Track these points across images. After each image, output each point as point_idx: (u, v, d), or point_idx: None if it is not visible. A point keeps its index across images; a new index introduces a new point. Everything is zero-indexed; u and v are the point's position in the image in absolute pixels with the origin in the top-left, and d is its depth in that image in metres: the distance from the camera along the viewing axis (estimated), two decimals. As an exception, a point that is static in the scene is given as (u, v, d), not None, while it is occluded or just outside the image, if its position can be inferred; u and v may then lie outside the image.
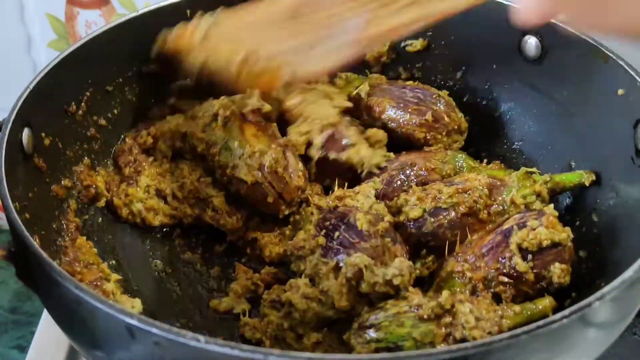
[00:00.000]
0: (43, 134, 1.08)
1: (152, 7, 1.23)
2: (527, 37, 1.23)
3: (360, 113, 1.24)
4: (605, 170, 1.11)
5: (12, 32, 1.60)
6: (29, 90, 1.04)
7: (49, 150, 1.10)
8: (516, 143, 1.28)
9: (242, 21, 1.04)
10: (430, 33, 1.33)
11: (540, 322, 0.75)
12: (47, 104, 1.09)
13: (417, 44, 1.34)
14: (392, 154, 1.19)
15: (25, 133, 1.03)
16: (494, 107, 1.31)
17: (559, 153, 1.20)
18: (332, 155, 1.16)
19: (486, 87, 1.31)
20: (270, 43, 1.02)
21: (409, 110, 1.21)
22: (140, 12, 1.22)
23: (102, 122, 1.21)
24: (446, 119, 1.21)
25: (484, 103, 1.32)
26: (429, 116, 1.20)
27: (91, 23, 1.59)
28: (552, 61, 1.21)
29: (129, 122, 1.26)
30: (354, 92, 1.24)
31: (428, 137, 1.20)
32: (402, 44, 1.35)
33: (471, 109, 1.31)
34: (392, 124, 1.21)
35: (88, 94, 1.18)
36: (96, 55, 1.17)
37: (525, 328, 0.74)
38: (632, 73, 1.08)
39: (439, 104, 1.22)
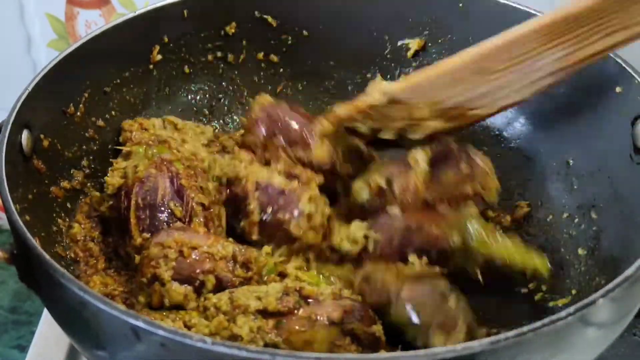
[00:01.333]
0: (42, 136, 1.08)
1: (151, 7, 1.23)
2: (524, 35, 1.23)
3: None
4: (603, 168, 1.11)
5: (12, 32, 1.59)
6: (27, 91, 1.04)
7: (47, 151, 1.09)
8: (514, 141, 1.28)
9: (423, 82, 1.05)
10: (427, 32, 1.33)
11: (546, 320, 0.75)
12: (46, 105, 1.09)
13: (413, 44, 1.34)
14: None
15: (25, 135, 1.03)
16: (492, 106, 1.31)
17: (556, 151, 1.20)
18: None
19: (483, 85, 1.32)
20: (455, 95, 1.04)
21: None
22: (140, 12, 1.22)
23: (101, 123, 1.21)
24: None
25: (481, 101, 1.32)
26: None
27: (91, 23, 1.58)
28: (549, 59, 1.22)
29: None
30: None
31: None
32: (399, 44, 1.35)
33: (469, 108, 1.32)
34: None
35: (86, 95, 1.18)
36: (95, 56, 1.17)
37: (531, 326, 0.74)
38: (630, 71, 1.08)
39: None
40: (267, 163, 1.14)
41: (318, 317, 0.91)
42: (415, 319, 0.95)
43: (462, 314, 0.95)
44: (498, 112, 1.10)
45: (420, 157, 1.09)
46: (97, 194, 1.17)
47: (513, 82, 1.01)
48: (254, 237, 1.07)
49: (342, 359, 0.84)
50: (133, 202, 1.07)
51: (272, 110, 1.18)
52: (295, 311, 0.91)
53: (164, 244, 0.98)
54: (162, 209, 1.05)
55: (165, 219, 1.05)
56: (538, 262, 1.04)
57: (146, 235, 1.04)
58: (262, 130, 1.16)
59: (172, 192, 1.07)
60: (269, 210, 1.07)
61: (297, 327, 0.90)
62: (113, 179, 1.12)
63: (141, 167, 1.10)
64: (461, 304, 0.97)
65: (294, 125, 1.16)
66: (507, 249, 1.04)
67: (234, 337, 0.88)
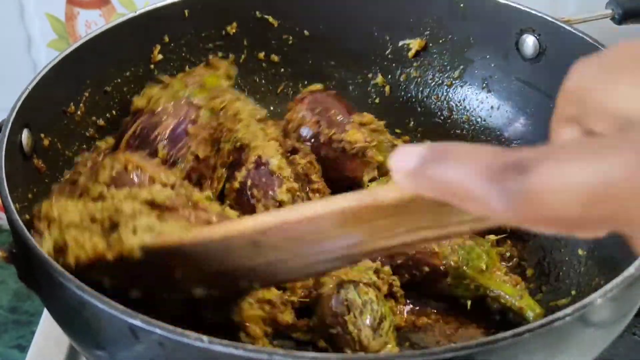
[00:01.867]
0: (42, 135, 1.08)
1: (151, 7, 1.23)
2: (524, 35, 1.23)
3: None
4: (604, 168, 1.11)
5: (12, 32, 1.59)
6: (28, 90, 1.04)
7: (48, 151, 1.10)
8: (514, 142, 1.28)
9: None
10: (428, 32, 1.33)
11: (544, 321, 0.75)
12: (46, 104, 1.09)
13: (414, 44, 1.34)
14: None
15: (25, 134, 1.03)
16: (492, 106, 1.31)
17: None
18: None
19: (484, 85, 1.32)
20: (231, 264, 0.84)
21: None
22: (140, 12, 1.22)
23: (101, 122, 1.21)
24: None
25: (481, 102, 1.32)
26: None
27: (91, 23, 1.59)
28: (549, 59, 1.22)
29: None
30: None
31: None
32: (400, 44, 1.35)
33: (469, 109, 1.32)
34: None
35: (87, 94, 1.18)
36: (95, 56, 1.17)
37: (529, 326, 0.74)
38: (630, 71, 1.08)
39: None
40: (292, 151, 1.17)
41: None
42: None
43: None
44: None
45: None
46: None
47: (287, 261, 0.80)
48: (228, 201, 1.10)
49: (341, 359, 0.84)
50: (132, 128, 1.10)
51: (319, 94, 1.24)
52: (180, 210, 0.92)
53: (115, 157, 1.01)
54: (150, 145, 1.08)
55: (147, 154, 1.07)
56: (531, 304, 1.01)
57: None
58: (304, 109, 1.21)
59: (170, 135, 1.09)
60: (249, 183, 1.09)
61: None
62: (139, 101, 1.15)
63: (163, 100, 1.13)
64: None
65: (335, 111, 1.20)
66: (504, 283, 1.02)
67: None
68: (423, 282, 1.04)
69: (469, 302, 1.03)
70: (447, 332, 1.03)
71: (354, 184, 1.18)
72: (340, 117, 1.19)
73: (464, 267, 1.02)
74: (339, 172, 1.19)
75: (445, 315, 1.05)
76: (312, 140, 1.19)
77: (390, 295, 1.02)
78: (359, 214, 0.70)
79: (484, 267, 1.02)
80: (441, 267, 1.02)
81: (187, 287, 0.86)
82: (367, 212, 0.69)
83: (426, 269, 1.03)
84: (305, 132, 1.20)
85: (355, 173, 1.18)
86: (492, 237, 1.07)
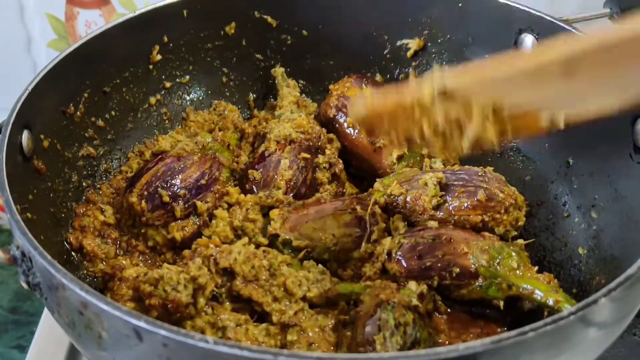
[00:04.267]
0: (42, 136, 1.08)
1: (151, 7, 1.23)
2: (523, 35, 1.23)
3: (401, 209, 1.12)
4: (603, 167, 1.11)
5: (12, 32, 1.59)
6: (27, 91, 1.04)
7: (47, 152, 1.09)
8: (514, 141, 1.28)
9: (486, 77, 0.82)
10: (427, 32, 1.33)
11: (548, 319, 0.75)
12: (45, 105, 1.09)
13: (413, 44, 1.34)
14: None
15: (25, 135, 1.03)
16: (491, 105, 1.31)
17: (557, 151, 1.21)
18: None
19: (483, 85, 1.32)
20: (524, 96, 0.81)
21: (457, 194, 1.08)
22: (140, 11, 1.22)
23: (100, 123, 1.21)
24: (500, 194, 1.07)
25: (480, 101, 1.32)
26: (481, 196, 1.06)
27: (91, 23, 1.58)
28: (548, 59, 1.22)
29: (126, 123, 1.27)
30: (388, 191, 1.12)
31: (486, 219, 1.06)
32: (398, 44, 1.35)
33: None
34: (440, 214, 1.08)
35: (86, 95, 1.18)
36: (95, 56, 1.17)
37: (533, 325, 0.74)
38: (630, 70, 1.08)
39: (487, 181, 1.08)
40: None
41: None
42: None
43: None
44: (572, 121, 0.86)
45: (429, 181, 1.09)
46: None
47: (596, 91, 0.78)
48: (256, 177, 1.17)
49: (342, 359, 0.84)
50: (155, 167, 1.13)
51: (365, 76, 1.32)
52: None
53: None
54: (170, 189, 1.11)
55: (159, 202, 1.10)
56: (567, 298, 0.97)
57: (144, 204, 1.10)
58: (352, 80, 1.29)
59: (193, 185, 1.13)
60: (261, 163, 1.18)
61: None
62: (164, 141, 1.22)
63: (188, 147, 1.18)
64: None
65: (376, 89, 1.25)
66: (537, 280, 0.99)
67: None
68: (452, 287, 1.02)
69: (501, 303, 1.01)
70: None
71: (374, 174, 1.22)
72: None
73: (496, 266, 1.00)
74: (364, 158, 1.24)
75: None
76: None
77: (435, 309, 1.01)
78: None
79: (515, 265, 1.00)
80: (471, 268, 1.00)
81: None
82: None
83: (456, 270, 1.01)
84: (347, 101, 1.25)
85: (379, 162, 1.22)
86: (521, 241, 1.06)
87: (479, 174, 1.09)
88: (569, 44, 0.76)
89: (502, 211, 1.06)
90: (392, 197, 1.11)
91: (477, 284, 1.01)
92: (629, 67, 0.74)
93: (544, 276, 1.00)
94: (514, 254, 1.01)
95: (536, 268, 1.01)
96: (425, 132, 0.84)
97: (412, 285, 0.98)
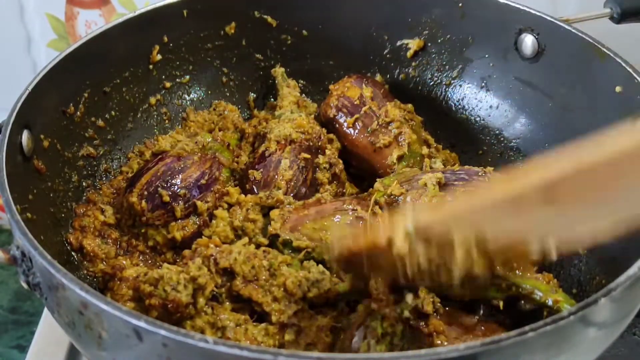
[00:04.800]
0: (42, 136, 1.08)
1: (151, 7, 1.23)
2: (523, 35, 1.23)
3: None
4: (603, 167, 1.11)
5: (12, 32, 1.59)
6: (27, 91, 1.04)
7: (47, 152, 1.09)
8: (513, 141, 1.28)
9: (461, 210, 0.77)
10: (427, 32, 1.33)
11: (548, 319, 0.75)
12: (45, 105, 1.09)
13: (413, 44, 1.34)
14: None
15: (25, 135, 1.03)
16: (491, 105, 1.31)
17: (556, 150, 1.20)
18: None
19: (482, 85, 1.32)
20: (509, 225, 0.75)
21: (457, 194, 1.08)
22: (140, 11, 1.22)
23: (100, 123, 1.21)
24: None
25: (480, 101, 1.32)
26: None
27: (91, 23, 1.58)
28: (548, 59, 1.22)
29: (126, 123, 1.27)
30: (388, 191, 1.11)
31: None
32: (398, 44, 1.35)
33: (468, 108, 1.32)
34: None
35: (86, 95, 1.18)
36: (95, 56, 1.17)
37: (533, 325, 0.74)
38: (630, 70, 1.08)
39: (488, 181, 1.08)
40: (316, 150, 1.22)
41: None
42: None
43: None
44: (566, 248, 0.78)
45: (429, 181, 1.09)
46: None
47: (589, 215, 0.71)
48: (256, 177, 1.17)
49: (343, 359, 0.84)
50: (155, 167, 1.13)
51: (365, 77, 1.32)
52: None
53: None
54: (170, 188, 1.11)
55: (159, 202, 1.10)
56: (567, 298, 0.97)
57: (145, 203, 1.10)
58: (352, 81, 1.29)
59: (193, 185, 1.12)
60: (261, 163, 1.18)
61: None
62: (164, 141, 1.21)
63: (188, 147, 1.18)
64: None
65: (376, 90, 1.28)
66: (537, 280, 0.99)
67: None
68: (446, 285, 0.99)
69: (501, 303, 1.00)
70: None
71: (374, 174, 1.22)
72: (380, 97, 1.26)
73: (497, 266, 0.97)
74: (364, 158, 1.24)
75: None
76: (351, 112, 1.24)
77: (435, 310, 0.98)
78: None
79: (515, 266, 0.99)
80: None
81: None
82: None
83: None
84: (347, 101, 1.25)
85: (379, 162, 1.22)
86: None
87: (479, 173, 1.09)
88: (545, 169, 0.71)
89: None
90: (392, 197, 1.10)
91: (476, 284, 1.00)
92: (615, 189, 0.68)
93: (544, 276, 1.00)
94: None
95: (536, 268, 1.01)
96: (408, 273, 0.79)
97: (409, 298, 0.98)
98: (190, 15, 1.27)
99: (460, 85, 1.34)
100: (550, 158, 0.70)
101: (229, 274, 1.01)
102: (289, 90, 1.32)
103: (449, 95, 1.34)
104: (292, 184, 1.15)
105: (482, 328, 1.01)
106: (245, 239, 1.08)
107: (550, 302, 0.96)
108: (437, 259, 0.76)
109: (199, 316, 0.98)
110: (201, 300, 0.98)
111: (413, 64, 1.36)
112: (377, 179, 1.16)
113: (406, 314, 0.95)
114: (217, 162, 1.16)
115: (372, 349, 0.91)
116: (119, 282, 1.06)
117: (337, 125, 1.26)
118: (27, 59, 1.63)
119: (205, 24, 1.31)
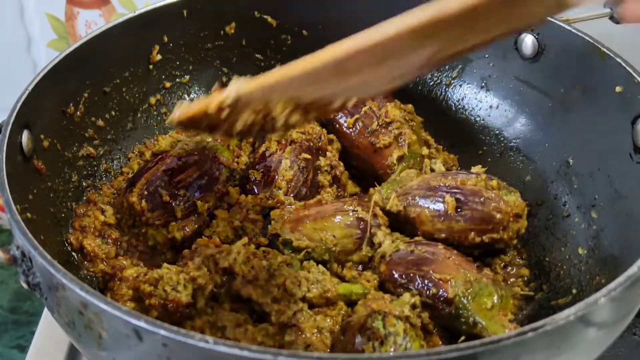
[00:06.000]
0: (42, 136, 1.08)
1: (151, 7, 1.23)
2: (523, 35, 1.23)
3: (399, 225, 1.14)
4: (603, 167, 1.11)
5: (12, 32, 1.59)
6: (27, 91, 1.04)
7: (47, 152, 1.09)
8: (513, 141, 1.28)
9: (278, 82, 0.93)
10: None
11: (548, 319, 0.75)
12: (45, 105, 1.09)
13: (413, 43, 1.34)
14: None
15: (25, 135, 1.03)
16: (491, 105, 1.31)
17: (556, 150, 1.20)
18: None
19: (482, 85, 1.32)
20: (312, 92, 0.92)
21: (454, 220, 1.09)
22: (140, 12, 1.22)
23: (100, 123, 1.21)
24: (497, 215, 1.07)
25: (480, 101, 1.32)
26: (477, 218, 1.07)
27: (91, 23, 1.58)
28: (548, 59, 1.22)
29: (126, 123, 1.27)
30: (387, 207, 1.13)
31: (486, 240, 1.08)
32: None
33: (468, 108, 1.32)
34: (442, 234, 1.09)
35: (86, 95, 1.18)
36: (95, 56, 1.17)
37: (533, 325, 0.74)
38: (630, 70, 1.08)
39: (484, 202, 1.08)
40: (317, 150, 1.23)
41: None
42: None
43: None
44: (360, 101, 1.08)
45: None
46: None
47: (373, 80, 0.89)
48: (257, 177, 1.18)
49: (343, 359, 0.84)
50: (155, 167, 1.13)
51: None
52: None
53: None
54: (171, 187, 1.12)
55: (159, 202, 1.10)
56: None
57: (145, 203, 1.10)
58: None
59: (193, 185, 1.13)
60: (262, 163, 1.20)
61: None
62: (164, 141, 1.23)
63: (188, 147, 1.17)
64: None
65: None
66: (501, 327, 0.98)
67: None
68: (427, 305, 1.01)
69: (462, 338, 0.99)
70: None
71: (374, 174, 1.22)
72: (380, 97, 1.26)
73: (469, 299, 0.99)
74: (364, 159, 1.24)
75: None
76: (351, 112, 1.24)
77: (424, 329, 0.99)
78: (434, 26, 0.77)
79: (489, 305, 0.99)
80: (448, 292, 0.99)
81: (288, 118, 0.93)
82: (439, 23, 0.77)
83: (434, 290, 1.00)
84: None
85: (379, 163, 1.22)
86: (518, 289, 1.09)
87: (476, 192, 1.09)
88: (335, 48, 0.87)
89: (501, 230, 1.08)
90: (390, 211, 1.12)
91: (448, 310, 1.00)
92: (384, 63, 0.85)
93: (514, 326, 0.99)
94: (495, 296, 1.00)
95: (513, 317, 1.03)
96: (239, 126, 0.95)
97: (406, 296, 0.99)
98: (190, 15, 1.27)
99: (460, 85, 1.34)
100: (340, 41, 0.87)
101: (228, 274, 1.01)
102: None
103: (449, 95, 1.34)
104: (293, 184, 1.15)
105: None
106: (245, 239, 1.08)
107: None
108: (261, 113, 0.93)
109: (199, 316, 0.98)
110: (201, 300, 0.98)
111: (413, 64, 1.36)
112: (375, 189, 1.17)
113: (406, 311, 0.95)
114: (217, 162, 1.16)
115: (377, 351, 0.91)
116: (119, 282, 1.06)
117: (337, 126, 1.26)
118: (27, 59, 1.63)
119: (205, 24, 1.31)
